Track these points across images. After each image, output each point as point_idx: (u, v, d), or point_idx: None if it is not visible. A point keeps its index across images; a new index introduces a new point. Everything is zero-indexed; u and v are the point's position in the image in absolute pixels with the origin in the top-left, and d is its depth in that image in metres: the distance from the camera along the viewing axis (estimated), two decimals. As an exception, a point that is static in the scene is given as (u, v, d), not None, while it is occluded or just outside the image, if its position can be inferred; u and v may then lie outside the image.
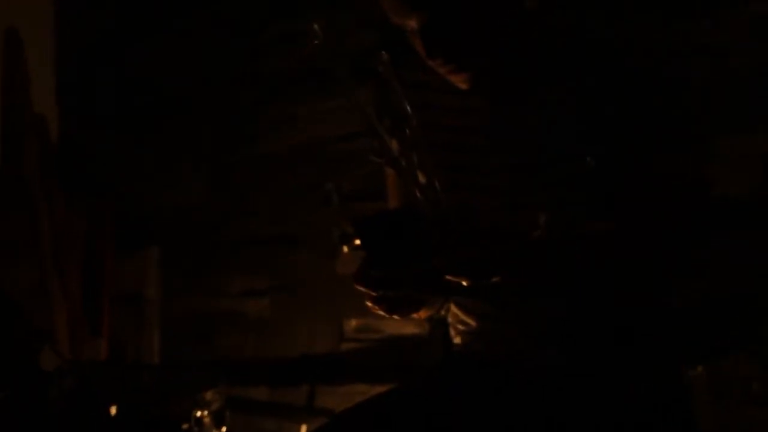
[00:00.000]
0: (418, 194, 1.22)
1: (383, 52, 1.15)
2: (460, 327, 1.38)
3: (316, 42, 1.15)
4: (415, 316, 1.35)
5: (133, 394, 2.26)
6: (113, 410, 2.13)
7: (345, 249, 2.15)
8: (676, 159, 1.24)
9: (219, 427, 2.20)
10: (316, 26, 1.15)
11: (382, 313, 1.27)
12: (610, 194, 1.21)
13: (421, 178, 1.31)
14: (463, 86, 1.25)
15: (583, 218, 1.21)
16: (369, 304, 1.26)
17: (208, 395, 2.19)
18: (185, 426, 2.14)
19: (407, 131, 1.31)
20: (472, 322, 1.35)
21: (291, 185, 2.84)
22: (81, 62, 3.34)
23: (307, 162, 2.82)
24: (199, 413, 2.16)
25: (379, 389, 1.41)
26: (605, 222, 1.20)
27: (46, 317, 2.77)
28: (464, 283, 1.15)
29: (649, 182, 1.23)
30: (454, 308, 1.39)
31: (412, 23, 1.20)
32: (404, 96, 1.25)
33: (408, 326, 2.53)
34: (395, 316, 1.29)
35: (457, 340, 1.40)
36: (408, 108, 1.23)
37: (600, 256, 1.21)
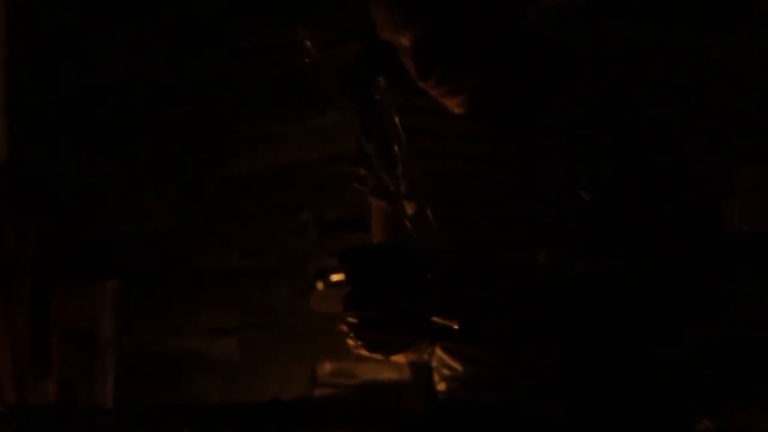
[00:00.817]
0: (408, 227, 1.22)
1: (380, 78, 1.15)
2: (446, 372, 1.37)
3: (306, 60, 1.16)
4: (397, 359, 1.35)
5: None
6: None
7: (321, 285, 2.15)
8: (688, 192, 1.25)
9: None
10: (308, 43, 1.16)
11: (363, 352, 1.27)
12: (613, 230, 1.21)
13: (410, 210, 1.31)
14: (458, 110, 1.26)
15: (583, 256, 1.21)
16: (350, 342, 1.26)
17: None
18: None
19: (396, 157, 1.32)
20: (459, 367, 1.34)
21: (265, 212, 2.83)
22: (34, 69, 3.31)
23: (284, 187, 2.82)
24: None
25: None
26: (608, 261, 1.20)
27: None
28: (454, 327, 1.16)
29: (658, 217, 1.23)
30: (439, 351, 1.38)
31: (404, 40, 1.21)
32: (395, 120, 1.26)
33: (387, 371, 2.53)
34: (377, 356, 1.28)
35: (441, 386, 1.39)
36: (399, 132, 1.23)
37: (602, 297, 1.21)
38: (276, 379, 2.77)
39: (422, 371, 1.52)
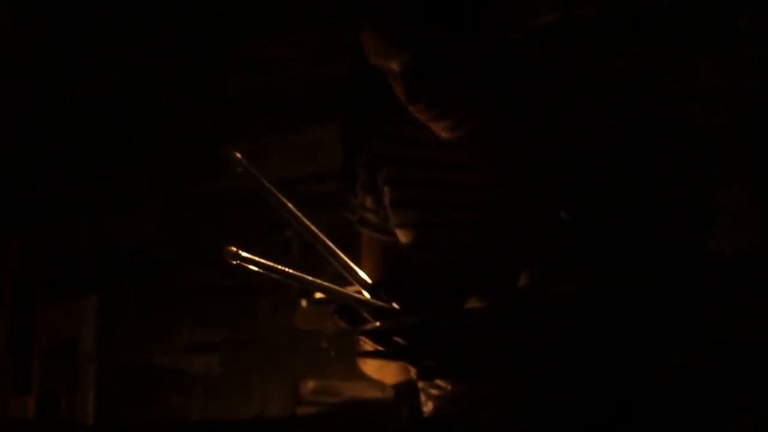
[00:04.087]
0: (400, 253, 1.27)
1: (237, 154, 1.18)
2: (433, 391, 1.38)
3: (239, 170, 1.17)
4: (389, 381, 1.41)
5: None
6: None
7: (304, 302, 2.16)
8: (671, 214, 1.26)
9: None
10: (238, 154, 1.17)
11: (370, 372, 1.32)
12: (593, 252, 1.24)
13: (403, 238, 1.36)
14: (445, 135, 1.28)
15: (564, 278, 1.22)
16: (362, 360, 1.30)
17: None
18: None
19: (384, 187, 1.38)
20: (447, 386, 1.35)
21: (249, 228, 2.81)
22: (17, 78, 3.28)
23: (268, 203, 2.82)
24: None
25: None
26: (588, 282, 1.22)
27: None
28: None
29: (641, 239, 1.24)
30: None
31: (393, 65, 1.23)
32: (383, 150, 1.32)
33: (371, 389, 2.54)
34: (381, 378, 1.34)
35: (428, 406, 1.40)
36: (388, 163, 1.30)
37: (584, 318, 1.21)
38: (258, 396, 2.79)
39: (406, 390, 1.54)
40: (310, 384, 2.70)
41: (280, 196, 1.19)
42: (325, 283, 1.19)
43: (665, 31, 2.27)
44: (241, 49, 2.97)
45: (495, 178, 1.31)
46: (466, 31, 1.21)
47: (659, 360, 1.28)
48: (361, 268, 1.30)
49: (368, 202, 1.42)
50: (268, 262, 1.13)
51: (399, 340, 1.16)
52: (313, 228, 1.22)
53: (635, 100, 1.29)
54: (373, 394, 2.53)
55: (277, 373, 2.75)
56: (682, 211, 1.27)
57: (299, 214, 1.20)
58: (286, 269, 1.16)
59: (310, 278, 1.18)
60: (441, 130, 1.27)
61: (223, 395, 2.87)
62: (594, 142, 1.25)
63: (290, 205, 1.20)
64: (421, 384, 1.41)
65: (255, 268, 1.13)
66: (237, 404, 2.82)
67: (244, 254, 1.12)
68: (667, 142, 1.29)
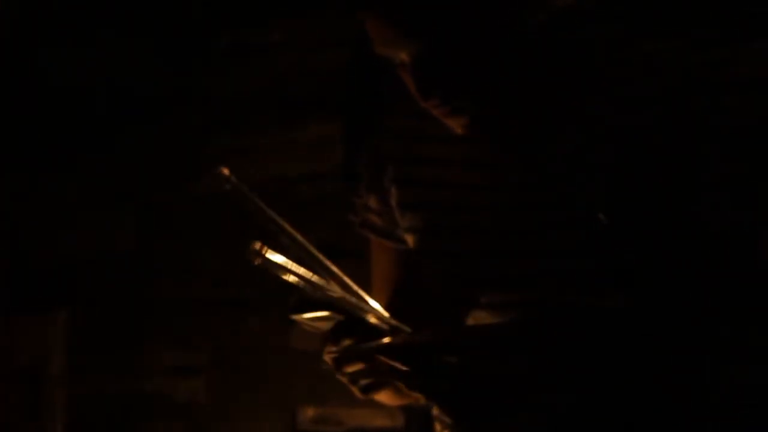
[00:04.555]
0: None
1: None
2: (449, 420, 1.36)
3: (228, 186, 1.18)
4: (388, 401, 1.37)
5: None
6: None
7: (302, 319, 2.18)
8: (720, 222, 1.24)
9: None
10: (226, 170, 1.19)
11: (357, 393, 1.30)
12: (631, 261, 1.21)
13: (412, 243, 1.36)
14: (460, 131, 1.26)
15: (591, 293, 1.22)
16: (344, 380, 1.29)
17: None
18: None
19: (390, 187, 1.37)
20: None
21: (238, 236, 2.81)
22: None
23: (262, 224, 2.81)
24: None
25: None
26: (617, 298, 1.21)
27: None
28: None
29: (683, 248, 1.22)
30: None
31: (403, 56, 1.21)
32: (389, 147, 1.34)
33: (378, 417, 2.53)
34: (372, 397, 1.31)
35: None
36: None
37: (616, 336, 1.21)
38: (249, 426, 2.76)
39: (418, 418, 1.52)
40: (309, 412, 2.66)
41: (273, 215, 1.22)
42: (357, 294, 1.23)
43: (698, 19, 2.25)
44: (228, 40, 2.94)
45: (515, 179, 1.29)
46: (483, 18, 1.20)
47: (704, 381, 1.25)
48: (372, 275, 1.39)
49: (373, 203, 1.43)
50: (296, 267, 1.17)
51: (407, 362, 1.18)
52: (312, 249, 1.25)
53: (672, 92, 1.27)
54: (381, 422, 2.53)
55: (271, 400, 2.72)
56: (728, 217, 1.25)
57: (297, 235, 1.23)
58: (313, 277, 1.20)
59: (337, 290, 1.23)
60: (456, 125, 1.26)
61: (208, 425, 2.85)
62: (632, 136, 1.24)
63: (287, 226, 1.23)
64: (435, 411, 1.39)
65: (281, 271, 1.16)
66: (225, 434, 2.80)
67: (269, 256, 1.15)
68: (706, 140, 1.26)
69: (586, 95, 1.28)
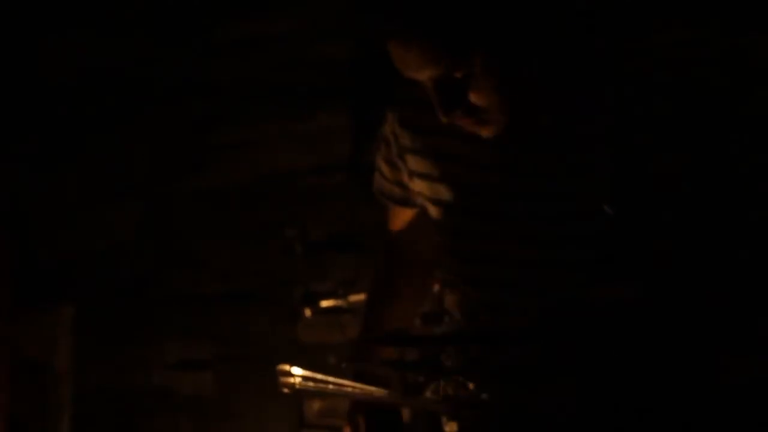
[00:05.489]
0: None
1: None
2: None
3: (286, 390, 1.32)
4: None
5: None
6: None
7: (309, 312, 2.21)
8: (733, 215, 1.28)
9: None
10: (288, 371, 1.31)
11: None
12: (637, 256, 1.24)
13: (434, 213, 1.41)
14: (486, 134, 1.31)
15: (604, 283, 1.25)
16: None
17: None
18: None
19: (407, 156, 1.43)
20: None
21: (244, 229, 2.82)
22: None
23: (266, 199, 2.80)
24: None
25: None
26: (630, 288, 1.24)
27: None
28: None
29: (698, 241, 1.24)
30: (450, 390, 1.38)
31: (426, 79, 1.26)
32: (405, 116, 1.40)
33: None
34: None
35: (451, 426, 1.38)
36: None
37: (626, 327, 1.23)
38: (256, 419, 2.76)
39: (423, 417, 1.51)
40: (316, 405, 2.66)
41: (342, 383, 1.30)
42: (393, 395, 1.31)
43: (715, 8, 2.20)
44: (231, 28, 2.92)
45: (527, 169, 1.33)
46: (503, 40, 1.24)
47: (713, 372, 1.29)
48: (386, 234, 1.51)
49: (388, 172, 1.49)
50: (327, 378, 1.25)
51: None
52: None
53: (693, 81, 1.37)
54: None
55: (278, 393, 2.67)
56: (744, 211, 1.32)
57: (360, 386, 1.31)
58: (346, 383, 1.29)
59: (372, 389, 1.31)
60: (481, 132, 1.31)
61: (215, 418, 2.85)
62: (652, 128, 1.26)
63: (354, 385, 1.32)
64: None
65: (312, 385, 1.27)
66: (232, 428, 2.80)
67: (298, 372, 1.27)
68: (721, 130, 1.36)
69: (603, 86, 1.30)
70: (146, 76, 3.03)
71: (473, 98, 1.25)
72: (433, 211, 1.42)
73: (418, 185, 1.43)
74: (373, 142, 1.51)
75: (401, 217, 1.54)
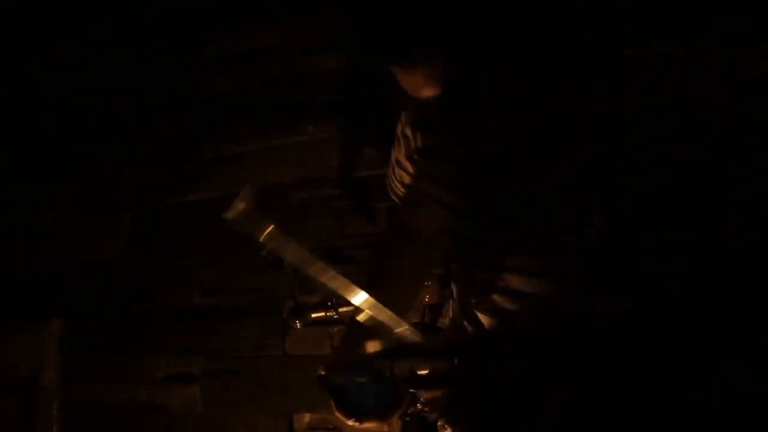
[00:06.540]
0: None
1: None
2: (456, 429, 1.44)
3: (243, 206, 1.14)
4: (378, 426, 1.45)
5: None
6: None
7: (298, 324, 2.21)
8: (732, 222, 1.26)
9: None
10: (249, 188, 1.17)
11: (350, 423, 1.39)
12: (631, 268, 1.25)
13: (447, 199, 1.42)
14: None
15: (596, 294, 1.26)
16: (338, 413, 1.38)
17: None
18: None
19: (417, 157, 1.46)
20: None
21: (232, 243, 2.80)
22: None
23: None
24: None
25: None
26: (623, 300, 1.24)
27: None
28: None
29: (692, 251, 1.25)
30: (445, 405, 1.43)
31: (432, 93, 1.29)
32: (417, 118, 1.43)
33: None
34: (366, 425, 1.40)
35: None
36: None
37: (618, 339, 1.24)
38: None
39: (414, 424, 1.58)
40: (306, 418, 2.65)
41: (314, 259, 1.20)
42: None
43: (705, 19, 2.23)
44: (221, 42, 2.93)
45: (528, 179, 1.35)
46: (503, 59, 1.27)
47: (703, 386, 1.28)
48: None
49: (397, 171, 1.54)
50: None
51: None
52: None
53: (693, 92, 1.32)
54: (378, 428, 2.49)
55: (267, 407, 2.71)
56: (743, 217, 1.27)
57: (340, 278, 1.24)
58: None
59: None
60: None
61: None
62: (638, 145, 1.28)
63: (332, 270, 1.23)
64: (440, 423, 1.48)
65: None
66: (221, 443, 2.78)
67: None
68: (719, 138, 1.30)
69: (594, 97, 1.32)
70: (135, 90, 3.03)
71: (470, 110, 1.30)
72: (438, 212, 1.45)
73: (425, 186, 1.46)
74: (362, 155, 1.55)
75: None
